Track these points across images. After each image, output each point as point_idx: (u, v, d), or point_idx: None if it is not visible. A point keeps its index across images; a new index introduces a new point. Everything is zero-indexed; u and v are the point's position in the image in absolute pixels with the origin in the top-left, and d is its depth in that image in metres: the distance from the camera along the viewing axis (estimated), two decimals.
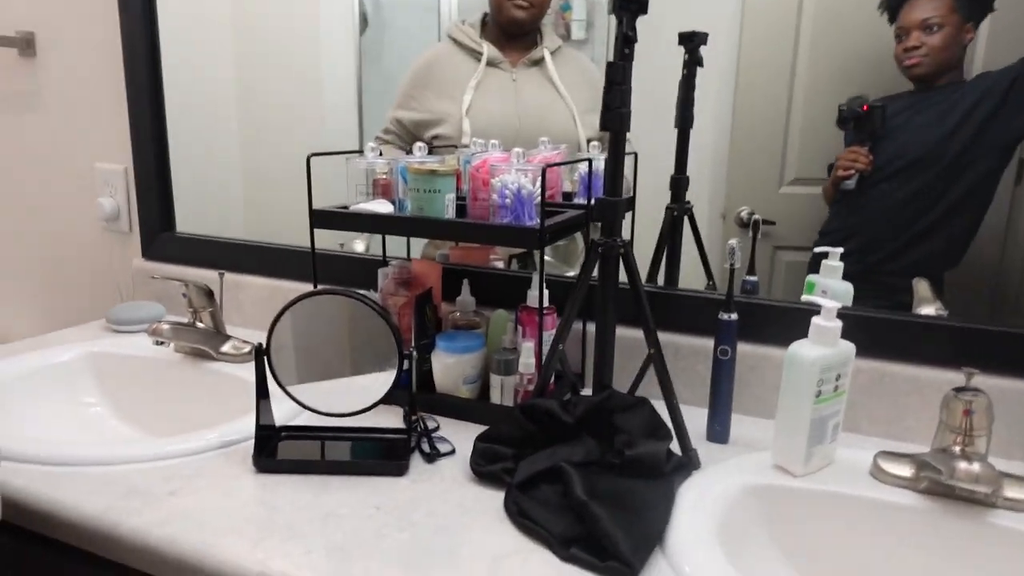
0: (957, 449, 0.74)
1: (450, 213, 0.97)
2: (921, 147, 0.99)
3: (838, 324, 0.78)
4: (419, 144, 1.03)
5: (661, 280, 1.11)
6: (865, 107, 0.99)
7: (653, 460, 0.80)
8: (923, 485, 0.76)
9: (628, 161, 0.88)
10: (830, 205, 1.05)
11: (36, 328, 1.66)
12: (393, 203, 1.03)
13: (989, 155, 0.96)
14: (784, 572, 0.77)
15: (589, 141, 1.13)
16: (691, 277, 1.11)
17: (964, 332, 0.90)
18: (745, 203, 1.12)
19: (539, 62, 1.15)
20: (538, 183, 0.91)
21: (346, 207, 1.02)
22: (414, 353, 0.87)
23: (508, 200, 0.92)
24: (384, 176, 1.03)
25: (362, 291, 0.89)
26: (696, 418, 0.95)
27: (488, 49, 1.16)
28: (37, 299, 1.68)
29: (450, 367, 1.00)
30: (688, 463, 0.84)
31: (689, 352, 1.03)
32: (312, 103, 1.35)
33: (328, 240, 1.31)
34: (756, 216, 1.08)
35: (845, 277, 1.02)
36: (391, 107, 1.22)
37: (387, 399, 0.89)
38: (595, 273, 0.89)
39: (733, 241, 0.86)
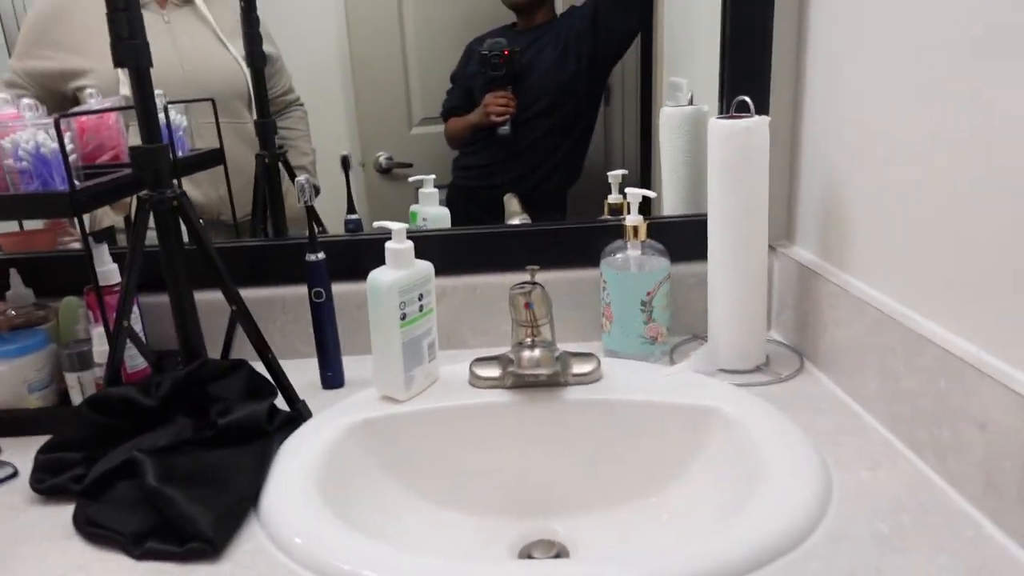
0: (528, 341, 0.80)
1: None
2: (544, 85, 1.07)
3: (409, 245, 0.78)
4: None
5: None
6: (507, 51, 1.03)
7: (251, 422, 0.74)
8: (510, 381, 0.82)
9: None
10: (460, 146, 1.09)
11: None
12: None
13: (592, 83, 1.06)
14: (397, 499, 0.77)
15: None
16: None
17: (537, 234, 0.98)
18: (380, 148, 1.11)
19: (190, 2, 1.02)
20: (66, 138, 0.76)
21: None
22: None
23: (25, 163, 0.76)
24: None
25: None
26: (313, 369, 0.91)
27: None
28: None
29: (5, 376, 0.83)
30: (297, 416, 0.80)
31: (295, 303, 0.97)
32: None
33: None
34: (346, 153, 1.05)
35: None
36: (13, 57, 1.01)
37: None
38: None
39: (302, 178, 0.82)
